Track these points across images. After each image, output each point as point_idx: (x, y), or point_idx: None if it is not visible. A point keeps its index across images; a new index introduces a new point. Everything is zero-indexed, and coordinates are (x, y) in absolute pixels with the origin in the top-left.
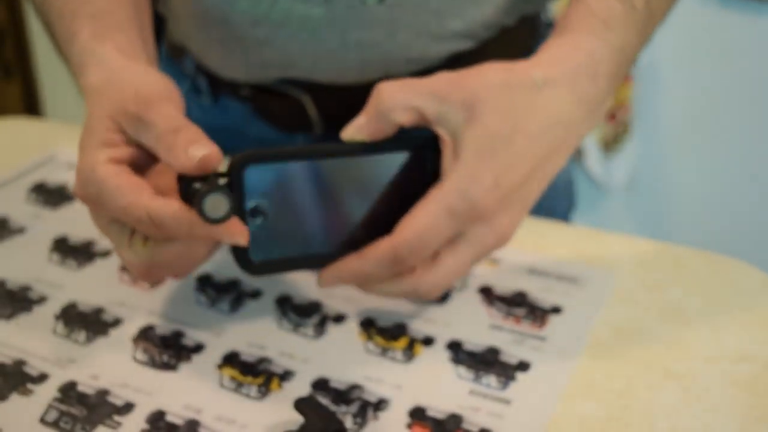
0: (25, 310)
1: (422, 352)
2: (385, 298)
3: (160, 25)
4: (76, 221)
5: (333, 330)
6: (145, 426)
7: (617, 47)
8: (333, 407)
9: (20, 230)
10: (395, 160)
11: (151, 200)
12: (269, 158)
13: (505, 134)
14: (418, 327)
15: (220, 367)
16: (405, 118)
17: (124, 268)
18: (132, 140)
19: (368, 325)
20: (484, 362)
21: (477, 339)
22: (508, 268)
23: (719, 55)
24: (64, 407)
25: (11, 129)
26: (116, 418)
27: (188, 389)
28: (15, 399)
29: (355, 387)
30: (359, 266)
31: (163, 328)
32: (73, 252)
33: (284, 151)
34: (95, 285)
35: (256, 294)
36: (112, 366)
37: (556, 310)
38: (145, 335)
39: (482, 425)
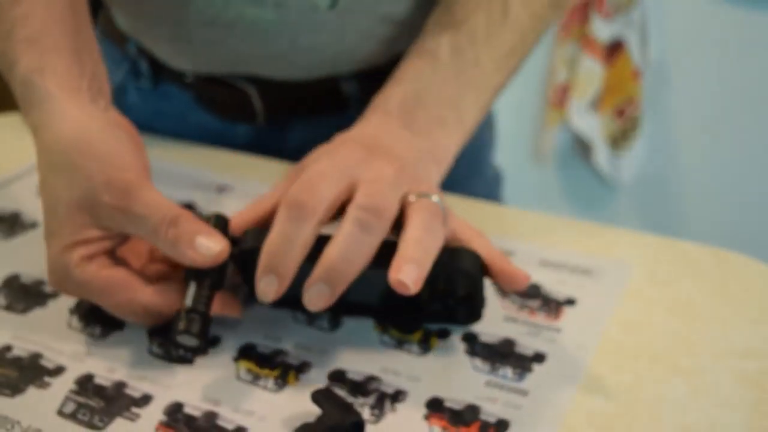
0: (40, 304)
1: (438, 345)
2: (357, 256)
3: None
4: None
5: (348, 322)
6: (163, 418)
7: (405, 94)
8: (350, 399)
9: (33, 225)
10: None
11: (144, 295)
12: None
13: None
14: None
15: (237, 359)
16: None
17: None
18: (108, 230)
19: (382, 321)
20: (500, 354)
21: (492, 331)
22: (521, 261)
23: (728, 51)
24: (81, 399)
25: (21, 124)
26: (134, 409)
27: (205, 382)
28: (32, 392)
29: (371, 378)
30: (270, 241)
31: None
32: None
33: None
34: None
35: None
36: (128, 359)
37: (570, 302)
38: (161, 329)
39: (499, 416)
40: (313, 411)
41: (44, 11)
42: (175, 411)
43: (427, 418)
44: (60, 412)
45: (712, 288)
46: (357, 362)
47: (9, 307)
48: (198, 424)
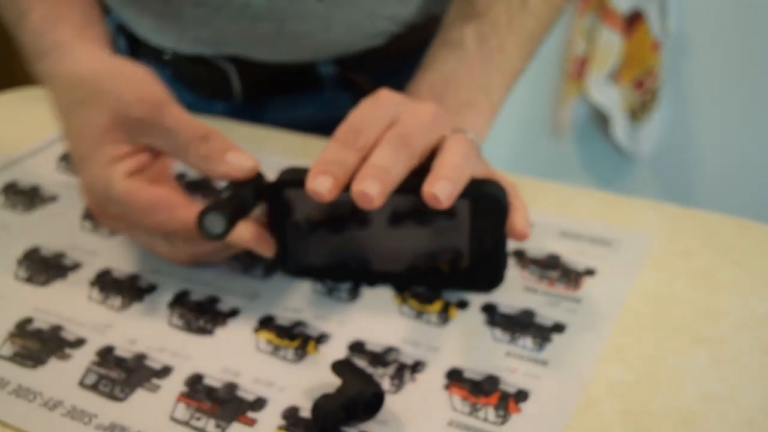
0: (60, 276)
1: (457, 315)
2: (394, 162)
3: None
4: None
5: (367, 293)
6: (184, 389)
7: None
8: (370, 369)
9: (52, 198)
10: None
11: (187, 213)
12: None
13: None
14: (452, 291)
15: (257, 330)
16: None
17: None
18: (138, 144)
19: (402, 289)
20: (520, 324)
21: (511, 301)
22: (540, 232)
23: (747, 22)
24: (102, 371)
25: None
26: (155, 381)
27: (225, 353)
28: (53, 363)
29: (391, 349)
30: (325, 153)
31: (198, 293)
32: None
33: None
34: (128, 252)
35: None
36: (148, 331)
37: (589, 272)
38: (180, 301)
39: (520, 386)
40: (332, 382)
41: None
42: (195, 382)
43: (447, 388)
44: (81, 384)
45: (733, 258)
46: (376, 333)
47: (30, 279)
48: (218, 395)
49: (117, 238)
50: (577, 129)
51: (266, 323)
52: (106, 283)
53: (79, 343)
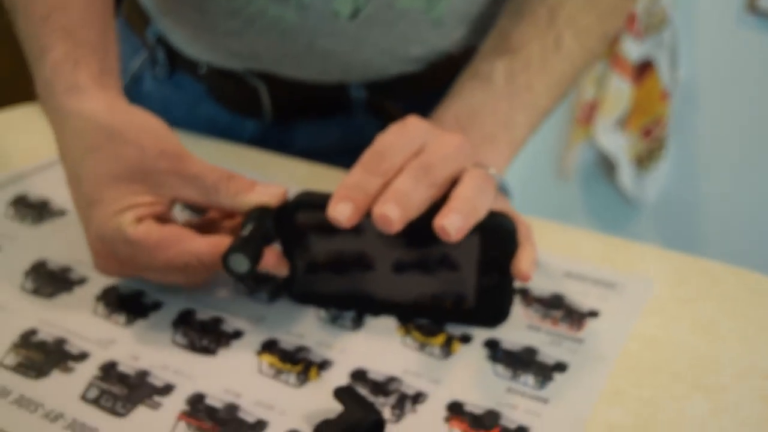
0: (66, 290)
1: (460, 350)
2: (414, 195)
3: None
4: None
5: (371, 323)
6: (185, 407)
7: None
8: (371, 398)
9: (61, 213)
10: None
11: (197, 244)
12: (318, 205)
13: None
14: (456, 325)
15: (259, 353)
16: None
17: None
18: (162, 196)
19: (406, 321)
20: (522, 361)
21: (514, 338)
22: (545, 272)
23: (758, 74)
24: (104, 385)
25: None
26: (156, 398)
27: (227, 373)
28: (56, 375)
29: (392, 379)
30: (349, 178)
31: (203, 313)
32: None
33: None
34: None
35: None
36: (152, 348)
37: (593, 314)
38: (185, 320)
39: (520, 422)
40: (333, 408)
41: (83, 3)
42: (196, 401)
43: (447, 420)
44: (83, 398)
45: (734, 307)
46: (379, 362)
47: (36, 292)
48: (219, 416)
49: None
50: (583, 173)
51: (269, 346)
52: (112, 299)
53: (83, 356)
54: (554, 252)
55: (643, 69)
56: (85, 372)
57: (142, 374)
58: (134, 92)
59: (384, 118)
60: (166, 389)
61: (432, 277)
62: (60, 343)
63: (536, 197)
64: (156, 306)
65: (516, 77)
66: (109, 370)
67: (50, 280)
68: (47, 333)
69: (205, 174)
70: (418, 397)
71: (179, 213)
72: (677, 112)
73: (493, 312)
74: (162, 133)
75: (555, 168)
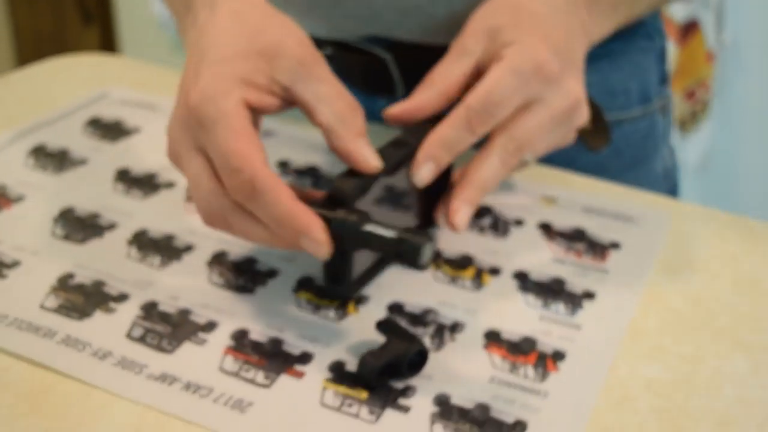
0: (97, 235)
1: (490, 282)
2: (491, 175)
3: None
4: (137, 155)
5: None
6: (230, 342)
7: None
8: (410, 329)
9: (82, 161)
10: None
11: (263, 166)
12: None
13: (532, 15)
14: (483, 258)
15: (296, 291)
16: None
17: (191, 199)
18: (276, 84)
19: (435, 257)
20: (551, 291)
21: (541, 270)
22: (565, 207)
23: None
24: (148, 324)
25: (69, 67)
26: (201, 335)
27: (267, 310)
28: (99, 316)
29: (429, 311)
30: (439, 134)
31: (235, 254)
32: (137, 183)
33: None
34: (163, 213)
35: None
36: (189, 288)
37: (614, 245)
38: (219, 260)
39: (555, 347)
40: (375, 340)
41: None
42: (240, 337)
43: (486, 347)
44: (129, 336)
45: None
46: (413, 296)
47: (67, 237)
48: (264, 349)
49: (149, 200)
50: None
51: (305, 284)
52: (144, 242)
53: (123, 298)
54: (577, 190)
55: (688, 30)
56: (127, 312)
57: (184, 313)
58: None
59: None
60: (209, 326)
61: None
62: (98, 285)
63: (578, 159)
64: (188, 248)
65: None
66: (150, 310)
67: (80, 226)
68: (84, 276)
69: (330, 81)
70: (455, 327)
71: None
72: (722, 75)
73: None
74: (303, 36)
75: None
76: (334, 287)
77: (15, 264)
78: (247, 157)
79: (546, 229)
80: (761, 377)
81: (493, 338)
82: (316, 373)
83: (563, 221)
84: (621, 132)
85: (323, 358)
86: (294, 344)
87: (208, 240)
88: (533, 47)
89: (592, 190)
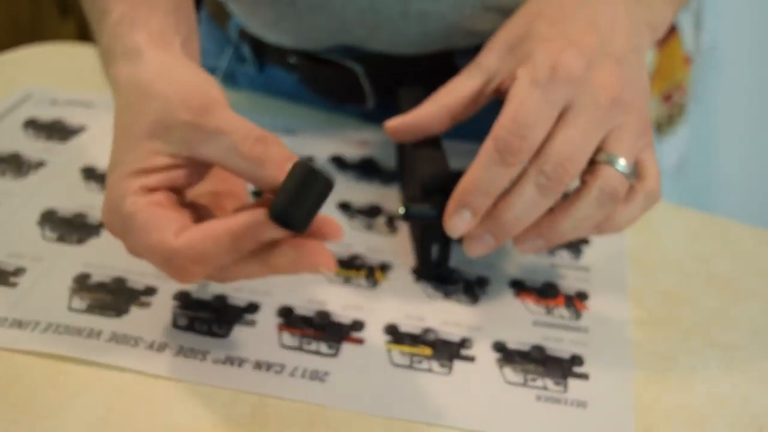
0: (94, 234)
1: None
2: (528, 216)
3: None
4: (95, 152)
5: (405, 228)
6: (280, 320)
7: None
8: (439, 290)
9: (40, 163)
10: None
11: (179, 240)
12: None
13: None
14: None
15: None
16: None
17: None
18: (179, 156)
19: None
20: None
21: None
22: None
23: None
24: (190, 313)
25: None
26: (247, 317)
27: (301, 287)
28: (136, 311)
29: (452, 271)
30: (470, 177)
31: None
32: None
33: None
34: None
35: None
36: None
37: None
38: None
39: (576, 288)
40: (413, 300)
41: None
42: (288, 314)
43: (517, 295)
44: (176, 326)
45: (751, 266)
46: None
47: (62, 239)
48: (316, 322)
49: None
50: None
51: None
52: None
53: (151, 291)
54: None
55: (667, 33)
56: (163, 304)
57: (221, 298)
58: (228, 90)
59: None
60: (252, 308)
61: None
62: (120, 282)
63: None
64: None
65: None
66: (185, 299)
67: (70, 227)
68: (101, 275)
69: (229, 130)
70: (481, 282)
71: None
72: (699, 79)
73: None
74: (194, 85)
75: None
76: (438, 273)
77: (20, 271)
78: (159, 244)
79: None
80: (734, 376)
81: (519, 287)
82: (374, 338)
83: None
84: None
85: (374, 323)
86: (341, 314)
87: None
88: (549, 52)
89: None
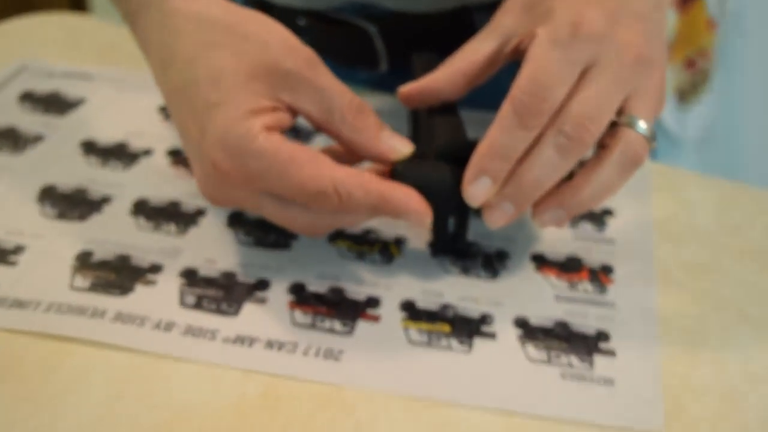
0: (96, 210)
1: None
2: (549, 179)
3: None
4: (95, 126)
5: None
6: (291, 297)
7: None
8: (458, 263)
9: (38, 138)
10: None
11: (337, 171)
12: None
13: None
14: None
15: (332, 240)
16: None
17: (176, 164)
18: (280, 101)
19: None
20: None
21: None
22: None
23: None
24: (197, 291)
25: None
26: (257, 294)
27: (312, 262)
28: (141, 289)
29: (471, 245)
30: (488, 141)
31: (252, 213)
32: (111, 153)
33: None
34: (154, 181)
35: None
36: (222, 250)
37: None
38: (239, 220)
39: (601, 262)
40: (428, 277)
41: None
42: (299, 290)
43: (538, 270)
44: (183, 304)
45: None
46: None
47: (62, 216)
48: (329, 299)
49: (133, 170)
50: None
51: (339, 235)
52: (149, 211)
53: (157, 269)
54: None
55: None
56: (169, 282)
57: (229, 275)
58: None
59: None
60: (262, 285)
61: None
62: (124, 259)
63: None
64: (200, 213)
65: None
66: (192, 277)
67: (71, 203)
68: (104, 252)
69: (335, 91)
70: (501, 256)
71: None
72: (724, 44)
73: None
74: (288, 35)
75: None
76: (456, 252)
77: (20, 249)
78: (319, 178)
79: None
80: (766, 350)
81: (540, 261)
82: (390, 315)
83: None
84: None
85: (390, 300)
86: (356, 291)
87: None
88: (569, 9)
89: None
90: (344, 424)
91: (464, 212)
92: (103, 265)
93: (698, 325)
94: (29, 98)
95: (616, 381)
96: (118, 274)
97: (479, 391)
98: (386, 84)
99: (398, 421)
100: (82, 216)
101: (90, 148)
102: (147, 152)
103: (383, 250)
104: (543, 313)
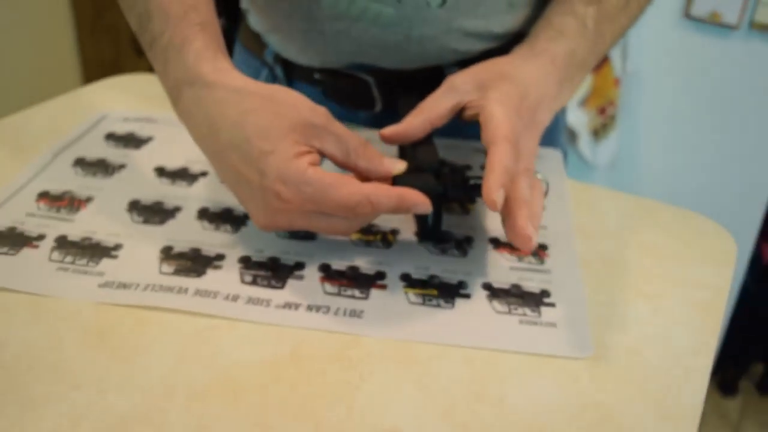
0: (171, 217)
1: (474, 206)
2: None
3: (235, 22)
4: (163, 155)
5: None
6: (322, 274)
7: (569, 50)
8: (439, 246)
9: (122, 166)
10: None
11: (364, 186)
12: None
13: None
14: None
15: None
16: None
17: None
18: (312, 147)
19: None
20: None
21: None
22: None
23: (689, 66)
24: (252, 272)
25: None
26: (296, 273)
27: (333, 249)
28: (211, 273)
29: (445, 233)
30: (503, 165)
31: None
32: (177, 175)
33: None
34: (212, 194)
35: None
36: (268, 242)
37: None
38: None
39: (540, 242)
40: (418, 256)
41: (207, 4)
42: (326, 269)
43: (496, 249)
44: (243, 282)
45: (671, 234)
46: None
47: (147, 221)
48: (349, 275)
49: (196, 186)
50: None
51: None
52: (211, 216)
53: (221, 257)
54: None
55: (600, 61)
56: (231, 266)
57: (275, 260)
58: None
59: None
60: (299, 266)
61: None
62: (196, 251)
63: None
64: (247, 217)
65: (600, 24)
66: (247, 262)
67: (152, 212)
68: (181, 246)
69: (348, 136)
70: (468, 240)
71: None
72: (625, 95)
73: None
74: (307, 99)
75: None
76: (435, 239)
77: (118, 246)
78: (356, 194)
79: None
80: (658, 318)
81: (496, 243)
82: (394, 284)
83: None
84: None
85: (394, 273)
86: (368, 268)
87: None
88: (510, 93)
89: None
90: (350, 375)
91: (439, 209)
92: (181, 256)
93: (608, 300)
94: (112, 137)
95: (558, 324)
96: (194, 262)
97: (460, 335)
98: (380, 121)
99: (389, 373)
100: (162, 221)
101: (161, 171)
102: (203, 173)
103: (383, 239)
104: (502, 279)
